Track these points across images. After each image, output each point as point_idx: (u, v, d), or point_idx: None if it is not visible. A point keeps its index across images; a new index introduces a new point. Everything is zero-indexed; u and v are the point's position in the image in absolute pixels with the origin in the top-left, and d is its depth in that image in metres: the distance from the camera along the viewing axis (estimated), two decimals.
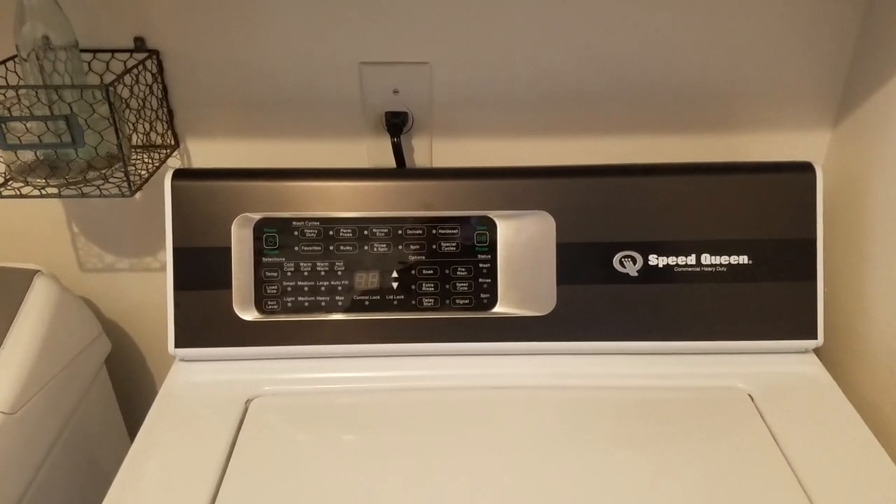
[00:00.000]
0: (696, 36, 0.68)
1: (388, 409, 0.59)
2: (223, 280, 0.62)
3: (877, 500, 0.50)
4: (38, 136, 0.59)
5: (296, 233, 0.63)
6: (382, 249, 0.63)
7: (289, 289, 0.63)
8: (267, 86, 0.70)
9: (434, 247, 0.63)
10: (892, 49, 0.63)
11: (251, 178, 0.63)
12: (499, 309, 0.63)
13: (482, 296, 0.63)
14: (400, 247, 0.63)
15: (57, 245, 0.80)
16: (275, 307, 0.63)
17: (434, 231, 0.63)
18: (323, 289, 0.63)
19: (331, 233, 0.63)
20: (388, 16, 0.67)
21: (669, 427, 0.57)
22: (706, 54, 0.69)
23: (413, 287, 0.63)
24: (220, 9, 0.66)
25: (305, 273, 0.63)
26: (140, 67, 0.66)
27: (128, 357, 0.88)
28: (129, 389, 0.90)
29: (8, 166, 0.63)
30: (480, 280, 0.63)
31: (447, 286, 0.63)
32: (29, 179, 0.62)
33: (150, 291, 0.83)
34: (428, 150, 0.74)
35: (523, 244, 0.63)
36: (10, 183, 0.62)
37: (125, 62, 0.68)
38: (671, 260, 0.63)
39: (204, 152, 0.74)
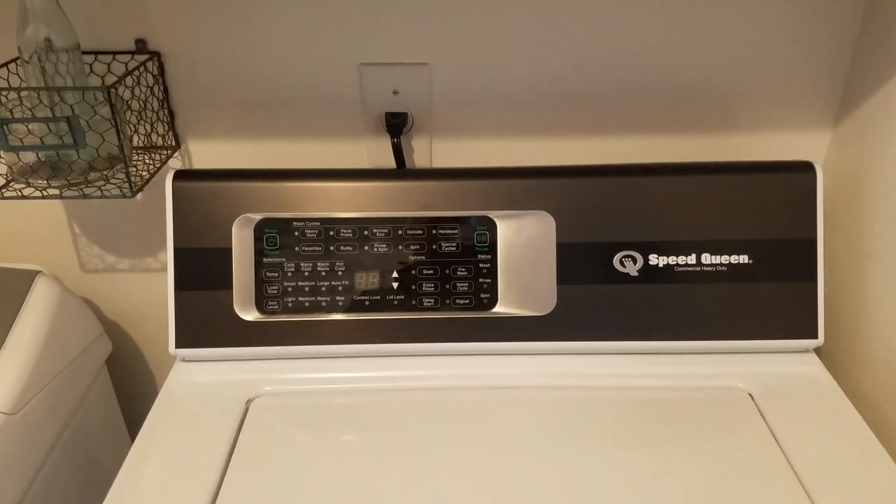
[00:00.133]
0: (696, 36, 0.68)
1: (389, 409, 0.59)
2: (224, 280, 0.62)
3: (877, 499, 0.50)
4: (40, 138, 0.59)
5: (296, 233, 0.63)
6: (382, 249, 0.63)
7: (289, 289, 0.63)
8: (267, 87, 0.70)
9: (434, 247, 0.63)
10: (892, 49, 0.63)
11: (252, 179, 0.63)
12: (499, 309, 0.63)
13: (482, 296, 0.63)
14: (400, 247, 0.63)
15: (58, 246, 0.80)
16: (275, 307, 0.63)
17: (434, 231, 0.63)
18: (323, 289, 0.63)
19: (331, 233, 0.63)
20: (388, 17, 0.67)
21: (670, 427, 0.57)
22: (706, 54, 0.69)
23: (413, 287, 0.63)
24: (220, 10, 0.67)
25: (306, 273, 0.63)
26: (141, 69, 0.66)
27: (128, 357, 0.88)
28: (130, 390, 0.90)
29: (10, 167, 0.63)
30: (480, 280, 0.63)
31: (447, 286, 0.63)
32: (31, 180, 0.62)
33: (150, 292, 0.83)
34: (428, 151, 0.74)
35: (523, 244, 0.63)
36: (11, 184, 0.63)
37: (126, 64, 0.68)
38: (671, 260, 0.63)
39: (205, 153, 0.74)
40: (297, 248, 0.63)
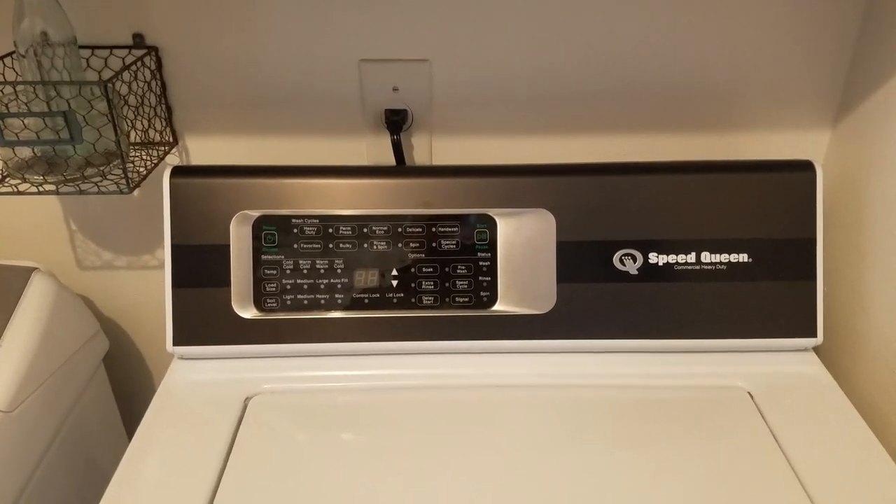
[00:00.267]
0: (696, 35, 0.68)
1: (388, 408, 0.59)
2: (222, 278, 0.62)
3: (876, 498, 0.50)
4: (36, 133, 0.58)
5: (295, 230, 0.62)
6: (382, 247, 0.63)
7: (288, 286, 0.63)
8: (266, 83, 0.70)
9: (434, 245, 0.63)
10: (892, 49, 0.63)
11: (250, 176, 0.63)
12: (499, 307, 0.63)
13: (482, 294, 0.63)
14: (399, 245, 0.63)
15: (54, 242, 0.79)
16: (274, 305, 0.63)
17: (434, 229, 0.63)
18: (322, 287, 0.63)
19: (330, 230, 0.62)
20: (387, 13, 0.67)
21: (669, 426, 0.57)
22: (706, 53, 0.69)
23: (413, 285, 0.63)
24: (219, 5, 0.66)
25: (305, 271, 0.63)
26: (139, 64, 0.66)
27: (126, 355, 0.88)
28: (127, 388, 0.90)
29: (5, 163, 0.62)
30: (480, 278, 0.63)
31: (447, 284, 0.63)
32: (26, 176, 0.62)
33: (148, 289, 0.83)
34: (428, 148, 0.74)
35: (523, 242, 0.63)
36: (7, 180, 0.62)
37: (123, 59, 0.67)
38: (671, 258, 0.63)
39: (203, 149, 0.74)
40: (295, 246, 0.62)
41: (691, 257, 0.63)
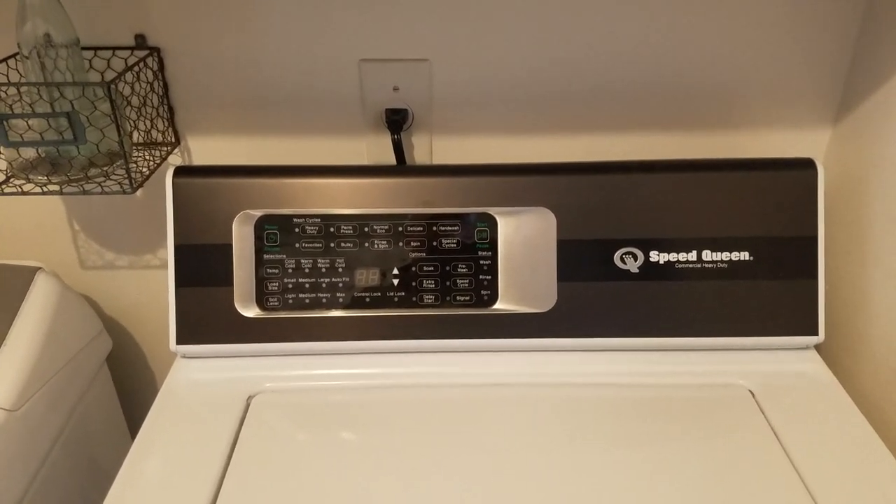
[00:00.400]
0: (697, 34, 0.68)
1: (389, 406, 0.59)
2: (224, 277, 0.62)
3: (878, 495, 0.50)
4: (40, 134, 0.59)
5: (297, 230, 0.63)
6: (383, 246, 0.63)
7: (290, 285, 0.63)
8: (267, 83, 0.70)
9: (434, 244, 0.63)
10: (892, 48, 0.63)
11: (252, 175, 0.63)
12: (499, 306, 0.63)
13: (483, 293, 0.63)
14: (400, 244, 0.63)
15: (58, 242, 0.80)
16: (276, 304, 0.63)
17: (434, 228, 0.63)
18: (324, 285, 0.63)
19: (331, 230, 0.63)
20: (387, 13, 0.67)
21: (670, 424, 0.57)
22: (707, 53, 0.69)
23: (414, 284, 0.63)
24: (219, 6, 0.66)
25: (306, 270, 0.63)
26: (141, 65, 0.66)
27: (129, 354, 0.88)
28: (131, 387, 0.90)
29: (10, 164, 0.63)
30: (481, 277, 0.63)
31: (448, 283, 0.63)
32: (31, 177, 0.62)
33: (150, 289, 0.83)
34: (428, 147, 0.74)
35: (524, 241, 0.63)
36: (11, 180, 0.62)
37: (126, 60, 0.68)
38: (672, 256, 0.63)
39: (205, 149, 0.74)
40: (297, 245, 0.63)
41: (692, 256, 0.63)
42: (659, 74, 0.70)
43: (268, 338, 0.63)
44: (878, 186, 0.65)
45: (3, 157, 0.64)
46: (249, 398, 0.60)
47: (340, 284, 0.63)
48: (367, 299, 0.63)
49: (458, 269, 0.63)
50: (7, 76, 0.65)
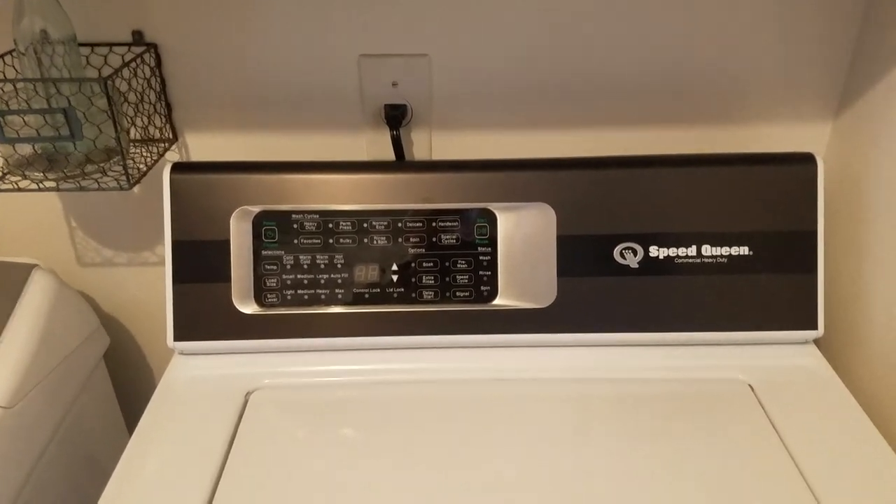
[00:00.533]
0: (697, 28, 0.68)
1: (389, 402, 0.59)
2: (222, 273, 0.62)
3: (877, 489, 0.50)
4: (36, 130, 0.58)
5: (295, 226, 0.62)
6: (382, 242, 0.63)
7: (288, 282, 0.63)
8: (265, 79, 0.70)
9: (434, 239, 0.63)
10: (893, 43, 0.63)
11: (250, 171, 0.63)
12: (499, 301, 0.63)
13: (482, 288, 0.63)
14: (400, 239, 0.63)
15: (55, 239, 0.79)
16: (274, 300, 0.63)
17: (434, 224, 0.63)
18: (322, 282, 0.63)
19: (330, 226, 0.62)
20: (386, 7, 0.67)
21: (670, 419, 0.56)
22: (707, 47, 0.69)
23: (413, 280, 0.63)
24: (218, 2, 0.66)
25: (305, 266, 0.63)
26: (138, 61, 0.66)
27: (126, 351, 0.88)
28: (128, 384, 0.90)
29: (6, 160, 0.62)
30: (481, 273, 0.63)
31: (447, 279, 0.63)
32: (27, 173, 0.62)
33: (148, 286, 0.83)
34: (427, 143, 0.74)
35: (523, 236, 0.63)
36: (7, 177, 0.62)
37: (123, 56, 0.67)
38: (672, 251, 0.63)
39: (202, 146, 0.74)
40: (295, 241, 0.62)
41: (692, 250, 0.63)
42: (659, 69, 0.70)
43: (266, 334, 0.63)
44: (879, 181, 0.65)
45: None
46: (247, 395, 0.60)
47: (339, 281, 0.63)
48: (367, 295, 0.63)
49: (458, 265, 0.63)
50: (3, 72, 0.64)
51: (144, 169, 0.66)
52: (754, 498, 0.49)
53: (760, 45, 0.69)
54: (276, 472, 0.52)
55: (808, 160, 0.63)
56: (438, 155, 0.75)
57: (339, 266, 0.63)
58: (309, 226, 0.62)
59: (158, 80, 0.69)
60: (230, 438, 0.55)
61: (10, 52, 0.64)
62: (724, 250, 0.63)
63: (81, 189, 0.62)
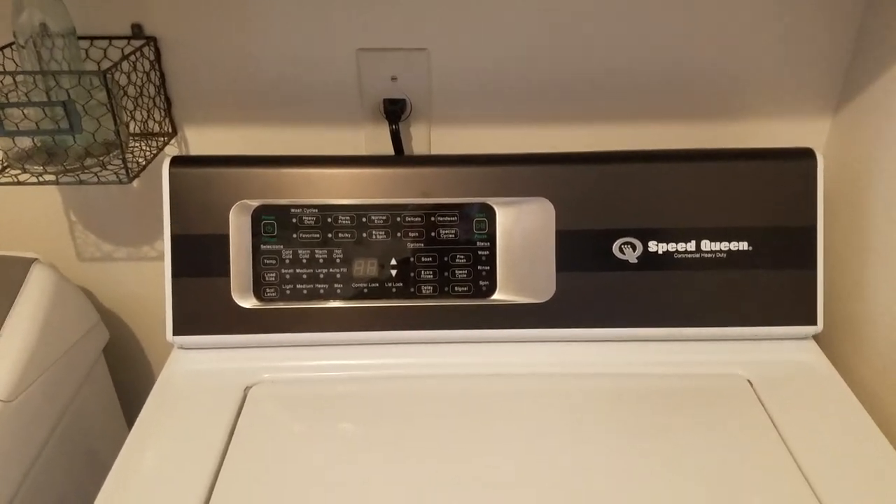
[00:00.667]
0: (696, 23, 0.68)
1: (387, 397, 0.59)
2: (221, 267, 0.62)
3: (877, 485, 0.50)
4: (36, 123, 0.58)
5: (294, 220, 0.62)
6: (381, 237, 0.63)
7: (287, 276, 0.63)
8: (265, 73, 0.70)
9: (433, 234, 0.63)
10: (893, 37, 0.63)
11: (249, 165, 0.63)
12: (498, 296, 0.63)
13: (481, 283, 0.63)
14: (398, 234, 0.63)
15: (54, 234, 0.79)
16: (273, 295, 0.63)
17: (433, 218, 0.63)
18: (321, 276, 0.63)
19: (329, 220, 0.62)
20: (385, 2, 0.66)
21: (668, 414, 0.56)
22: (706, 42, 0.69)
23: (412, 275, 0.63)
24: None
25: (304, 260, 0.63)
26: (137, 54, 0.66)
27: (126, 346, 0.88)
28: (128, 378, 0.90)
29: (5, 153, 0.62)
30: (479, 267, 0.63)
31: (446, 273, 0.63)
32: (26, 166, 0.62)
33: (147, 280, 0.83)
34: (426, 138, 0.74)
35: (522, 231, 0.63)
36: (7, 170, 0.62)
37: (122, 49, 0.67)
38: (671, 246, 0.63)
39: (202, 140, 0.74)
40: (294, 235, 0.62)
41: (691, 245, 0.63)
42: (658, 65, 0.70)
43: (265, 328, 0.63)
44: (878, 176, 0.65)
45: None
46: (246, 389, 0.60)
47: (338, 275, 0.63)
48: (365, 290, 0.63)
49: (457, 260, 0.63)
50: (3, 65, 0.64)
51: (144, 163, 0.66)
52: (753, 494, 0.49)
53: (760, 41, 0.68)
54: (275, 466, 0.52)
55: (807, 155, 0.63)
56: (437, 149, 0.74)
57: (337, 260, 0.63)
58: (308, 220, 0.62)
59: (158, 73, 0.69)
60: (229, 432, 0.55)
61: (9, 45, 0.64)
62: (724, 245, 0.63)
63: (81, 182, 0.62)
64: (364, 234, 0.63)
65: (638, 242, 0.63)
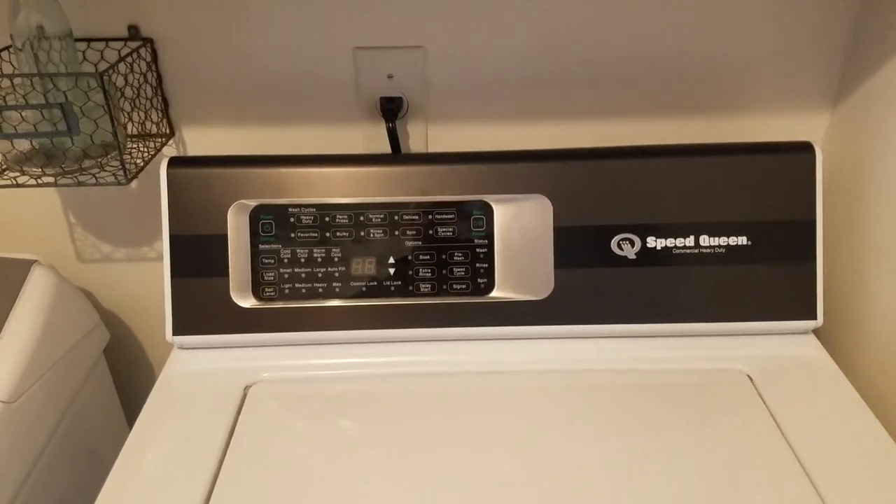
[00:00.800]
0: (694, 19, 0.67)
1: (386, 395, 0.59)
2: (220, 267, 0.62)
3: (877, 479, 0.50)
4: (34, 125, 0.59)
5: (292, 219, 0.62)
6: (379, 235, 0.63)
7: (286, 275, 0.63)
8: (261, 73, 0.70)
9: (431, 232, 0.63)
10: (892, 31, 0.62)
11: (247, 165, 0.63)
12: (496, 294, 0.63)
13: (479, 281, 0.63)
14: (396, 232, 0.63)
15: (54, 235, 0.80)
16: (272, 294, 0.63)
17: (430, 216, 0.63)
18: (320, 275, 0.63)
19: (327, 219, 0.62)
20: (381, 0, 0.66)
21: (668, 410, 0.56)
22: (704, 37, 0.68)
23: (410, 273, 0.63)
24: None
25: (302, 260, 0.63)
26: (134, 56, 0.66)
27: (126, 346, 0.88)
28: (128, 378, 0.91)
29: (4, 156, 0.63)
30: (477, 265, 0.63)
31: (444, 271, 0.63)
32: (25, 169, 0.62)
33: (146, 281, 0.83)
34: (423, 136, 0.74)
35: (520, 228, 0.63)
36: (6, 173, 0.62)
37: (119, 51, 0.67)
38: (669, 242, 0.63)
39: (199, 140, 0.74)
40: (293, 235, 0.63)
41: (690, 241, 0.63)
42: (656, 60, 0.70)
43: (264, 328, 0.63)
44: (877, 170, 0.65)
45: None
46: (246, 388, 0.60)
47: (336, 274, 0.63)
48: (364, 289, 0.63)
49: (455, 258, 0.63)
50: (0, 68, 0.64)
51: (142, 164, 0.66)
52: (753, 489, 0.49)
53: (758, 35, 0.68)
54: (274, 465, 0.52)
55: (806, 149, 0.62)
56: (434, 147, 0.74)
57: (336, 259, 0.63)
58: (306, 219, 0.62)
59: (155, 74, 0.69)
60: (229, 432, 0.55)
61: (6, 48, 0.65)
62: (723, 240, 0.63)
63: (79, 184, 0.62)
64: (362, 233, 0.63)
65: (636, 238, 0.63)
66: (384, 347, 0.64)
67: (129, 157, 0.67)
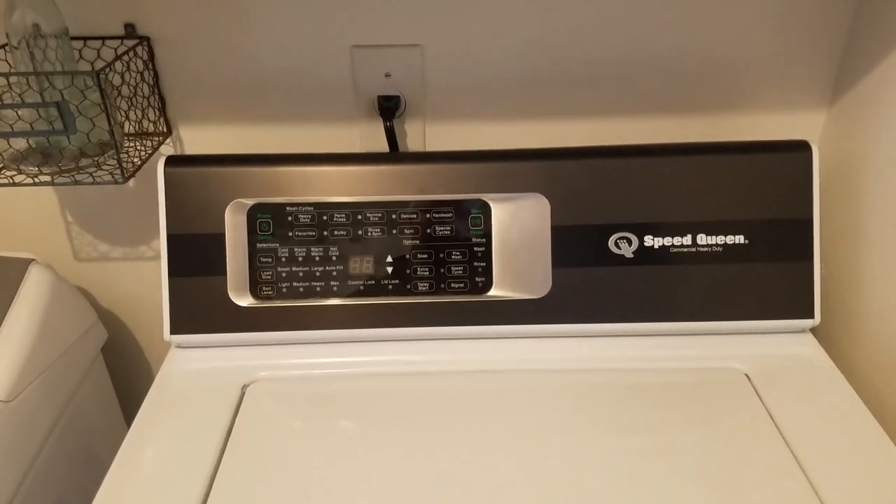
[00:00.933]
0: (691, 18, 0.67)
1: (384, 394, 0.59)
2: (218, 266, 0.62)
3: (874, 478, 0.50)
4: (30, 124, 0.58)
5: (290, 218, 0.62)
6: (377, 234, 0.63)
7: (283, 274, 0.63)
8: (258, 71, 0.70)
9: (428, 231, 0.63)
10: (887, 29, 0.62)
11: (244, 164, 0.62)
12: (494, 292, 0.63)
13: (477, 279, 0.63)
14: (394, 231, 0.63)
15: (51, 234, 0.80)
16: (270, 293, 0.63)
17: (428, 215, 0.63)
18: (318, 274, 0.63)
19: (325, 218, 0.62)
20: None
21: (666, 409, 0.56)
22: (701, 36, 0.68)
23: (408, 271, 0.63)
24: None
25: (300, 258, 0.63)
26: (131, 54, 0.66)
27: (124, 345, 0.88)
28: (126, 377, 0.90)
29: (1, 155, 0.62)
30: (475, 264, 0.63)
31: (442, 270, 0.63)
32: (21, 168, 0.62)
33: (144, 280, 0.83)
34: (421, 134, 0.74)
35: (518, 227, 0.63)
36: (2, 171, 0.62)
37: (116, 49, 0.67)
38: (667, 241, 0.63)
39: (197, 139, 0.74)
40: (290, 234, 0.62)
41: (687, 239, 0.63)
42: (655, 60, 0.69)
43: (262, 327, 0.63)
44: (874, 168, 0.65)
45: None
46: (244, 387, 0.60)
47: (334, 273, 0.63)
48: (362, 287, 0.63)
49: (453, 256, 0.63)
50: None
51: (139, 163, 0.66)
52: (751, 487, 0.49)
53: (755, 34, 0.68)
54: (272, 464, 0.52)
55: (803, 148, 0.62)
56: (432, 146, 0.74)
57: (333, 258, 0.63)
58: (303, 218, 0.62)
59: (151, 73, 0.69)
60: (227, 431, 0.55)
61: (2, 47, 0.64)
62: (720, 239, 0.63)
63: (76, 183, 0.62)
64: (360, 232, 0.63)
65: (634, 237, 0.63)
66: (382, 346, 0.64)
67: (126, 155, 0.67)
